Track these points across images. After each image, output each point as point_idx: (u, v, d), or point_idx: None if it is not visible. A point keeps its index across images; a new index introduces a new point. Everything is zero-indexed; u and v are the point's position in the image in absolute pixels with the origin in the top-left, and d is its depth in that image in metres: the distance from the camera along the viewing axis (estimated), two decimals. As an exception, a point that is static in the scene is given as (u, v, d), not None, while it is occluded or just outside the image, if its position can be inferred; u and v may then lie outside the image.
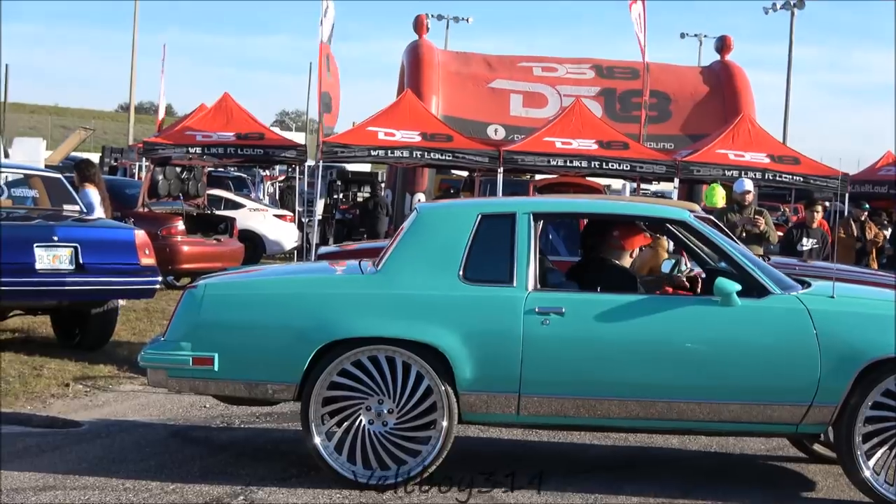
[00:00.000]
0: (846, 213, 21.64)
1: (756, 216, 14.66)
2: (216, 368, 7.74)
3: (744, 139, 23.31)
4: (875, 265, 18.69)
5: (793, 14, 55.20)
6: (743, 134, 23.51)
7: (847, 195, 22.41)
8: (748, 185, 15.36)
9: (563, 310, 7.63)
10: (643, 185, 29.27)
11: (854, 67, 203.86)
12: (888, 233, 20.75)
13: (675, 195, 23.44)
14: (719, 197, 15.64)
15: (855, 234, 19.01)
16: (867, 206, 20.17)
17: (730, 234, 10.00)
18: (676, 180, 22.84)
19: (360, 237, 26.06)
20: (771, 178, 22.09)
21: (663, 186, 32.02)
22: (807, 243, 15.57)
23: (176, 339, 7.85)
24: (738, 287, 7.65)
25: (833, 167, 23.94)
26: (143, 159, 24.27)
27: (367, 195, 27.73)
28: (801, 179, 22.69)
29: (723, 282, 7.65)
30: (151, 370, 8.00)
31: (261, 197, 31.24)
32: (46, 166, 24.85)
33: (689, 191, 26.69)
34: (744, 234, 13.93)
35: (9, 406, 9.87)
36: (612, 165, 22.39)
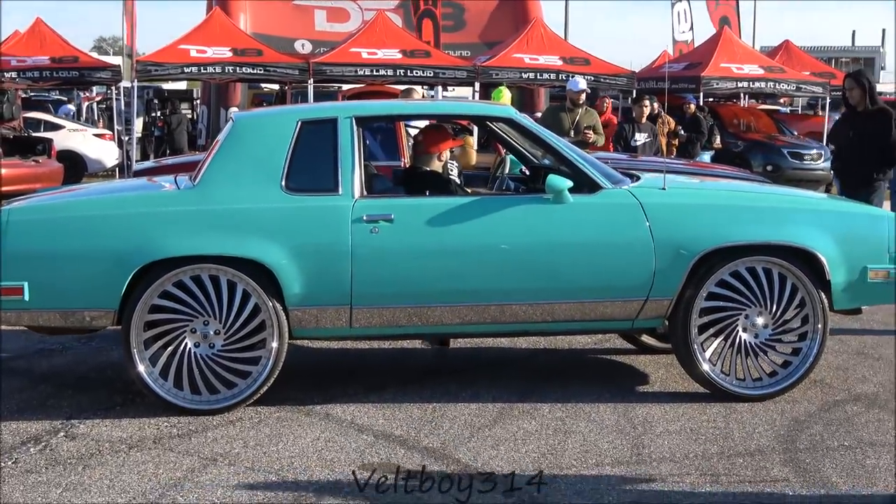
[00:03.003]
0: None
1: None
2: (27, 298, 6.62)
3: (537, 43, 22.85)
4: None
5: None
6: (536, 39, 23.04)
7: (634, 92, 21.91)
8: (582, 83, 14.51)
9: (392, 216, 6.66)
10: (443, 92, 28.48)
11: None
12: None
13: (475, 99, 22.73)
14: (506, 99, 14.86)
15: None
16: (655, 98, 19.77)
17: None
18: (477, 84, 22.17)
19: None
20: (564, 78, 21.38)
21: (460, 91, 31.23)
22: (640, 138, 15.06)
23: (-20, 269, 6.66)
24: (570, 183, 6.78)
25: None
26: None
27: (167, 112, 26.39)
28: (593, 79, 22.25)
29: (554, 178, 6.78)
30: (-46, 304, 6.81)
31: (63, 117, 29.37)
32: None
33: (486, 96, 26.06)
34: (572, 134, 13.13)
35: None
36: (416, 73, 21.66)
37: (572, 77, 16.64)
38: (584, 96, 14.30)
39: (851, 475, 5.75)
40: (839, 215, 7.25)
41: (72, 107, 33.30)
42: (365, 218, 6.66)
